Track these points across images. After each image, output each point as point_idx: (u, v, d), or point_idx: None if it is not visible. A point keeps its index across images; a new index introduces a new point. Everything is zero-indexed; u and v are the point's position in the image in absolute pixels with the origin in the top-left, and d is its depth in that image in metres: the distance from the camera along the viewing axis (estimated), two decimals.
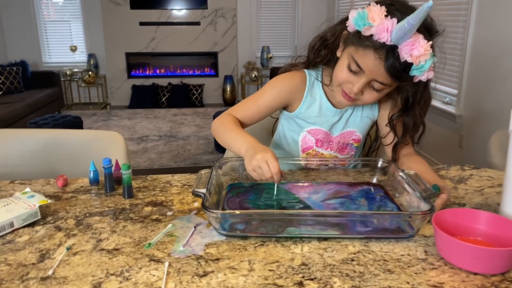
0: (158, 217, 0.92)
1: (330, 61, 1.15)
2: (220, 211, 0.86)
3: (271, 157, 0.91)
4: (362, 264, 0.75)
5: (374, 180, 1.07)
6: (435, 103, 3.35)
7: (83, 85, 5.75)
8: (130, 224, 0.89)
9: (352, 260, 0.76)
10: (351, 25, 0.98)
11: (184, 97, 5.77)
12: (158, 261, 0.75)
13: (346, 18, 1.01)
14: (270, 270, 0.73)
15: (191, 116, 5.23)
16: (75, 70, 5.80)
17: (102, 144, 1.40)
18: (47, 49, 5.94)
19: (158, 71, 6.00)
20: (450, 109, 3.22)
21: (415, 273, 0.72)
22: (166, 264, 0.74)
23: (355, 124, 1.22)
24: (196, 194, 0.86)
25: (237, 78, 6.02)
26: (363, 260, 0.76)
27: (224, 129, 1.10)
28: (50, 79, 5.31)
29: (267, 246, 0.80)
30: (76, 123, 3.98)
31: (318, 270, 0.73)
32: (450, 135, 3.25)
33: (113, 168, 1.03)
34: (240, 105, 1.19)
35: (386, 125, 1.18)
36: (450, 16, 3.14)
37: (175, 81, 5.89)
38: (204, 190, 0.86)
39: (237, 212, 0.87)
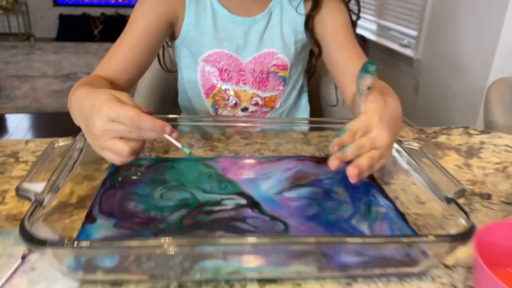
0: None
1: None
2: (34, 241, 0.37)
3: (107, 103, 0.46)
4: None
5: None
6: (391, 45, 3.07)
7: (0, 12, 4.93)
8: None
9: None
10: None
11: (119, 30, 4.90)
12: None
13: None
14: None
15: None
16: None
17: None
18: None
19: None
20: (408, 52, 2.86)
21: None
22: None
23: (274, 41, 0.83)
24: (22, 195, 0.43)
25: None
26: None
27: (72, 100, 0.56)
28: None
29: None
30: None
31: None
32: (405, 80, 2.94)
33: None
34: (106, 56, 0.75)
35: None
36: None
37: (109, 11, 5.17)
38: (39, 186, 0.43)
39: (83, 244, 0.38)
